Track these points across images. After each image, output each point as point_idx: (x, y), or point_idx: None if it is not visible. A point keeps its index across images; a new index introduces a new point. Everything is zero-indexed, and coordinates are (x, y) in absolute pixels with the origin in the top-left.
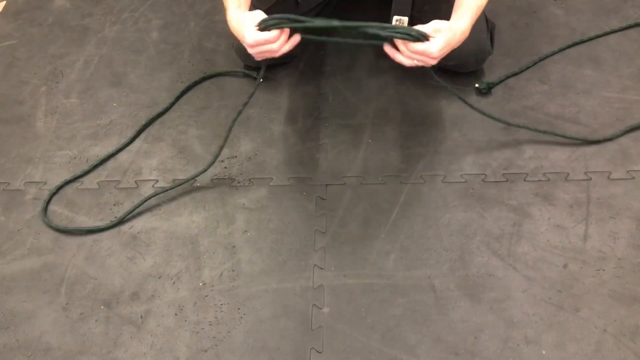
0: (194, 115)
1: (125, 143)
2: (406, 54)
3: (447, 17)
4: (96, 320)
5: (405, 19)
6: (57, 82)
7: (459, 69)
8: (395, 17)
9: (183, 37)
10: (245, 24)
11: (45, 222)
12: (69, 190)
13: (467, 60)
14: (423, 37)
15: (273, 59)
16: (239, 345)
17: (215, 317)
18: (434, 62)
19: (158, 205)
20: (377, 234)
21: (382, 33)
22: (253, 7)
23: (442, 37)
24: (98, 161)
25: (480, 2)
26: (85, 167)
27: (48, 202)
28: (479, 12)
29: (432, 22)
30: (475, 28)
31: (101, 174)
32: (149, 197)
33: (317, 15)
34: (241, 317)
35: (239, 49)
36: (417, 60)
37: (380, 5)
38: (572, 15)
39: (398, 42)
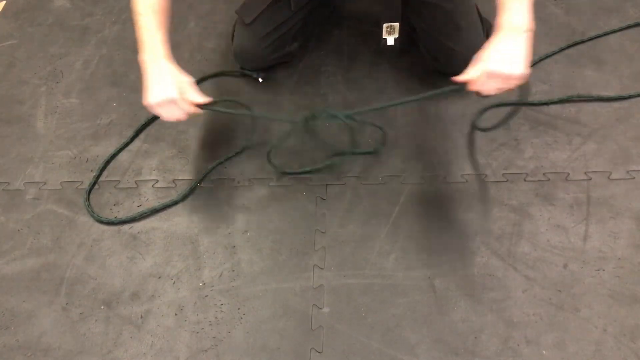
0: None
1: (125, 142)
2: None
3: (446, 16)
4: (96, 320)
5: (396, 25)
6: (57, 82)
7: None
8: (385, 25)
9: (183, 37)
10: (175, 81)
11: (90, 212)
12: (68, 190)
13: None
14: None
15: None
16: (239, 345)
17: (215, 317)
18: (517, 73)
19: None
20: (377, 234)
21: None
22: (247, 9)
23: (492, 51)
24: (103, 163)
25: None
26: (86, 166)
27: (89, 192)
28: None
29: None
30: (473, 30)
31: (101, 174)
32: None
33: (311, 12)
34: (241, 317)
35: (237, 52)
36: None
37: (380, 6)
38: (572, 15)
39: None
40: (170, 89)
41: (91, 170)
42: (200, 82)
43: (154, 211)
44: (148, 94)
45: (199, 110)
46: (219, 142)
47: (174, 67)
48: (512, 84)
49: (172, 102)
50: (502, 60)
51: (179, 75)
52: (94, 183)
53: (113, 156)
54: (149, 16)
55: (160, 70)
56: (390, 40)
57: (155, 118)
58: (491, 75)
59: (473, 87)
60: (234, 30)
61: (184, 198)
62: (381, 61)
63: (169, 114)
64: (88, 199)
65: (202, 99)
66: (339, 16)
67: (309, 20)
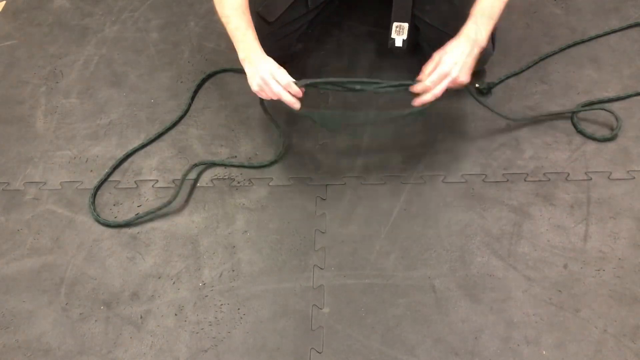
0: (194, 115)
1: (143, 144)
2: (430, 88)
3: (448, 16)
4: (96, 320)
5: (406, 25)
6: (57, 82)
7: None
8: (395, 24)
9: (183, 37)
10: (276, 70)
11: (94, 216)
12: (68, 190)
13: None
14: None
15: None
16: (239, 345)
17: (215, 317)
18: (462, 79)
19: (158, 205)
20: (377, 234)
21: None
22: (269, 8)
23: (449, 54)
24: (117, 161)
25: (497, 4)
26: (86, 167)
27: (94, 196)
28: (495, 14)
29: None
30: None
31: (101, 173)
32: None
33: (319, 14)
34: (241, 317)
35: None
36: (444, 85)
37: (380, 6)
38: (572, 15)
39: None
40: (260, 74)
41: (91, 171)
42: (207, 79)
43: (151, 208)
44: (250, 84)
45: (295, 90)
46: (219, 142)
47: (266, 57)
48: (456, 85)
49: (266, 84)
50: (454, 63)
51: (269, 62)
52: (104, 180)
53: (129, 155)
54: (238, 17)
55: (254, 60)
56: (399, 41)
57: (178, 121)
58: (443, 76)
59: (429, 92)
60: None
61: (182, 195)
62: (381, 61)
63: (273, 95)
64: (94, 201)
65: (289, 79)
66: (339, 16)
67: (315, 21)
